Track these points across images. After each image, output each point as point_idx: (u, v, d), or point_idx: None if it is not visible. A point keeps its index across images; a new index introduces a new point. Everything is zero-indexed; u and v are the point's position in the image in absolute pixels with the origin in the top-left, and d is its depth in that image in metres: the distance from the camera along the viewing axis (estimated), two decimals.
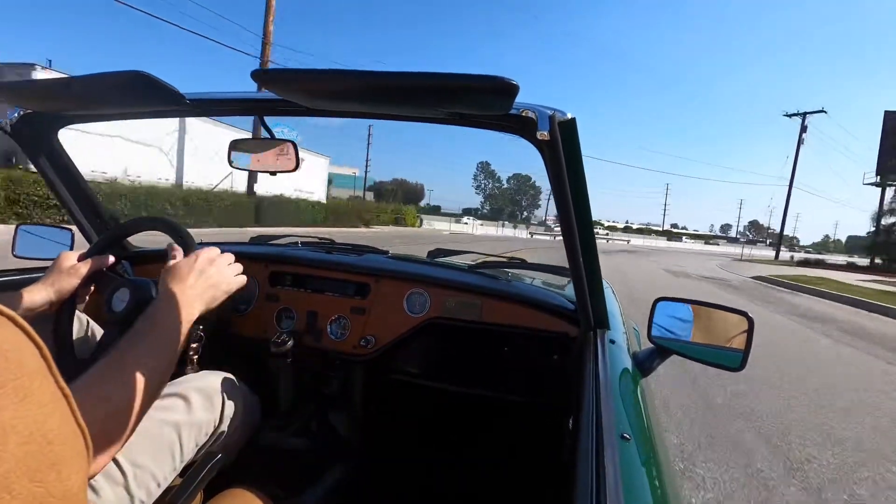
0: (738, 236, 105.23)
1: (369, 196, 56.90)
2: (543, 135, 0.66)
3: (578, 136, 0.69)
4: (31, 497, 0.26)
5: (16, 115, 1.00)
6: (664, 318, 1.07)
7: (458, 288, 1.29)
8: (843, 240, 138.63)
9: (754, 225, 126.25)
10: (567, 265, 0.94)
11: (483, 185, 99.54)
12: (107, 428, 0.56)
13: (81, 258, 0.96)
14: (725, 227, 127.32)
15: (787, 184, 34.35)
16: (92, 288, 0.99)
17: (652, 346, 1.06)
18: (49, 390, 0.28)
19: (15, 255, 1.27)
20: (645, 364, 1.03)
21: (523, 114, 0.68)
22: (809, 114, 35.33)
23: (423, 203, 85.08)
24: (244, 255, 1.43)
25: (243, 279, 0.88)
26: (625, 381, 0.86)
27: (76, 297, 0.95)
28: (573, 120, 0.67)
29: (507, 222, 62.76)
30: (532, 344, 1.25)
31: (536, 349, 1.26)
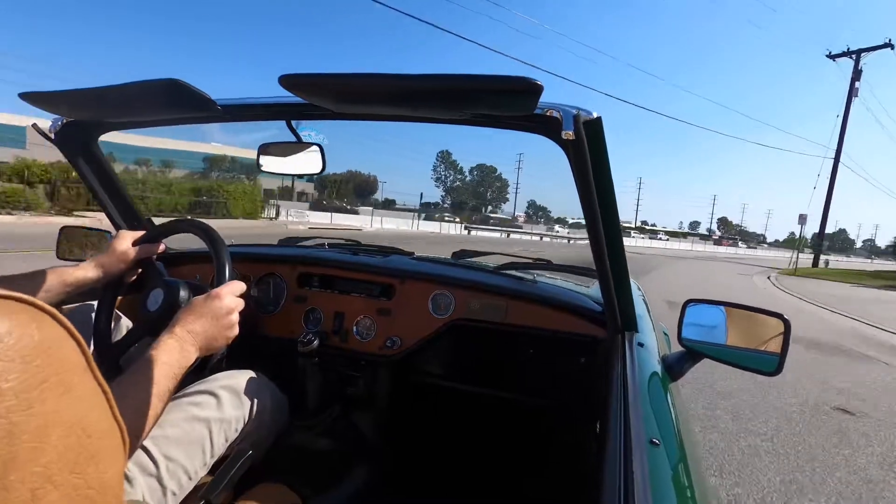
0: (710, 233, 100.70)
1: (310, 188, 48.37)
2: (568, 134, 0.66)
3: (604, 136, 0.68)
4: (71, 488, 0.27)
5: (59, 123, 1.05)
6: (695, 321, 1.05)
7: (483, 289, 1.28)
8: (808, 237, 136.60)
9: (723, 222, 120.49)
10: (594, 266, 0.93)
11: (443, 177, 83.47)
12: None
13: (136, 242, 1.06)
14: (694, 224, 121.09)
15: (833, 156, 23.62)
16: (139, 271, 1.08)
17: (682, 349, 1.04)
18: (89, 385, 0.29)
19: (58, 257, 1.33)
20: (675, 368, 1.01)
21: (548, 113, 0.67)
22: (866, 51, 22.58)
23: (376, 197, 73.75)
24: (274, 257, 1.47)
25: (237, 331, 0.89)
26: (654, 384, 0.84)
27: (122, 279, 1.04)
28: (599, 119, 0.67)
29: (446, 216, 52.62)
30: (558, 346, 1.24)
31: (562, 352, 1.24)
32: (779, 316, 0.95)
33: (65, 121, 1.05)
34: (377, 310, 1.32)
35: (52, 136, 1.07)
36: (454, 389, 1.38)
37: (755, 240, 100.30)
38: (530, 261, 1.53)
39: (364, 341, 1.30)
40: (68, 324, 0.28)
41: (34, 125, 1.06)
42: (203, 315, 0.82)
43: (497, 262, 1.57)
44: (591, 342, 1.16)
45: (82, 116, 1.03)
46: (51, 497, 0.26)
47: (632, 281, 1.04)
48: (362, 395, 1.36)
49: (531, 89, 0.58)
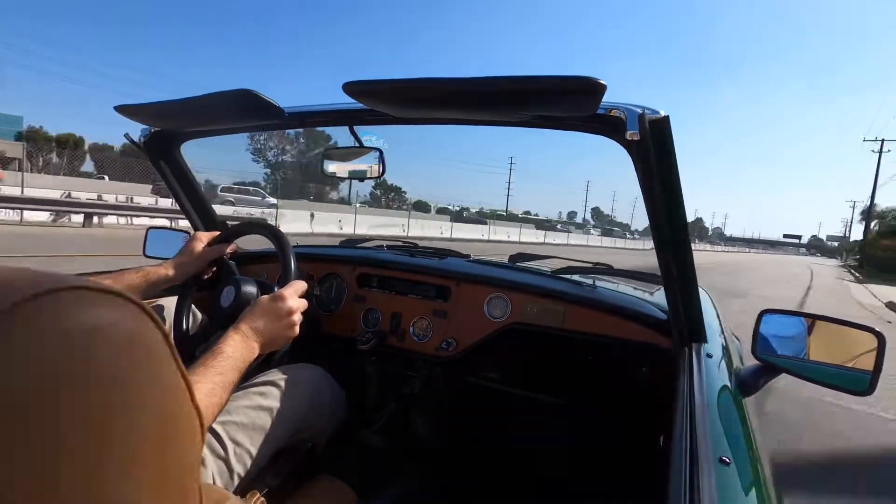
0: (585, 223, 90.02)
1: None
2: (633, 135, 0.63)
3: (672, 136, 0.65)
4: (155, 467, 0.29)
5: (148, 132, 1.16)
6: (772, 332, 0.97)
7: (541, 293, 1.26)
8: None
9: (597, 212, 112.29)
10: (658, 272, 0.89)
11: (262, 149, 52.69)
12: None
13: (210, 243, 1.15)
14: (572, 214, 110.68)
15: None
16: (213, 269, 1.17)
17: (757, 362, 0.97)
18: (172, 373, 0.31)
19: (145, 255, 1.46)
20: (748, 382, 0.94)
21: (611, 114, 0.65)
22: None
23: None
24: (335, 257, 1.52)
25: (297, 331, 0.93)
26: (724, 399, 0.79)
27: (198, 277, 1.14)
28: (666, 118, 0.64)
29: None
30: (619, 355, 1.19)
31: (624, 360, 1.20)
32: (871, 330, 0.86)
33: (152, 130, 1.15)
34: (433, 311, 1.33)
35: (142, 143, 1.17)
36: (510, 393, 1.36)
37: (624, 230, 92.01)
38: (590, 265, 1.49)
39: (420, 342, 1.32)
40: (156, 316, 0.31)
41: (126, 134, 1.17)
42: (267, 314, 0.87)
43: (555, 265, 1.54)
44: (654, 351, 1.11)
45: (166, 126, 1.12)
46: (139, 473, 0.28)
47: (700, 288, 0.99)
48: (418, 395, 1.37)
49: (594, 89, 0.57)
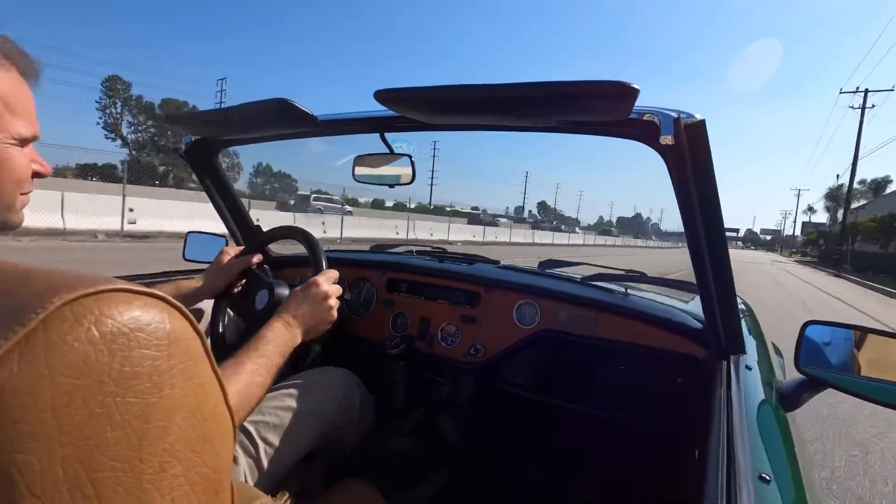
0: (532, 218, 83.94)
1: None
2: (667, 140, 0.62)
3: (708, 141, 0.63)
4: (191, 465, 0.30)
5: (189, 140, 1.21)
6: (816, 345, 0.92)
7: (571, 300, 1.24)
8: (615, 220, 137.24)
9: (543, 206, 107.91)
10: (694, 279, 0.86)
11: (117, 122, 42.96)
12: None
13: (237, 256, 1.17)
14: (519, 210, 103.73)
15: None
16: (243, 281, 1.18)
17: (800, 376, 0.92)
18: (207, 374, 0.32)
19: (185, 259, 1.51)
20: (790, 396, 0.90)
21: (645, 118, 0.64)
22: None
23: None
24: (365, 262, 1.54)
25: (335, 315, 0.96)
26: (764, 413, 0.76)
27: (232, 287, 1.15)
28: (702, 122, 0.62)
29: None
30: (652, 364, 1.16)
31: (657, 370, 1.16)
32: None
33: (194, 139, 1.20)
34: (462, 317, 1.33)
35: (183, 152, 1.22)
36: (539, 401, 1.35)
37: (572, 224, 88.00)
38: (622, 272, 1.46)
39: (449, 347, 1.32)
40: (192, 318, 0.32)
41: (177, 148, 1.23)
42: (304, 301, 0.91)
43: (586, 272, 1.51)
44: (690, 362, 1.07)
45: (207, 134, 1.17)
46: (175, 471, 0.29)
47: (738, 297, 0.95)
48: (446, 401, 1.37)
49: (626, 93, 0.56)
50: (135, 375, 0.27)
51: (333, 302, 0.95)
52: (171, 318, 0.30)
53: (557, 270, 1.56)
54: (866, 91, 28.25)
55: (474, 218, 43.74)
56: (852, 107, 29.16)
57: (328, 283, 0.96)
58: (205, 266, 1.52)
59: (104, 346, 0.26)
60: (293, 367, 1.10)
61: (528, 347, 1.26)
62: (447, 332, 1.33)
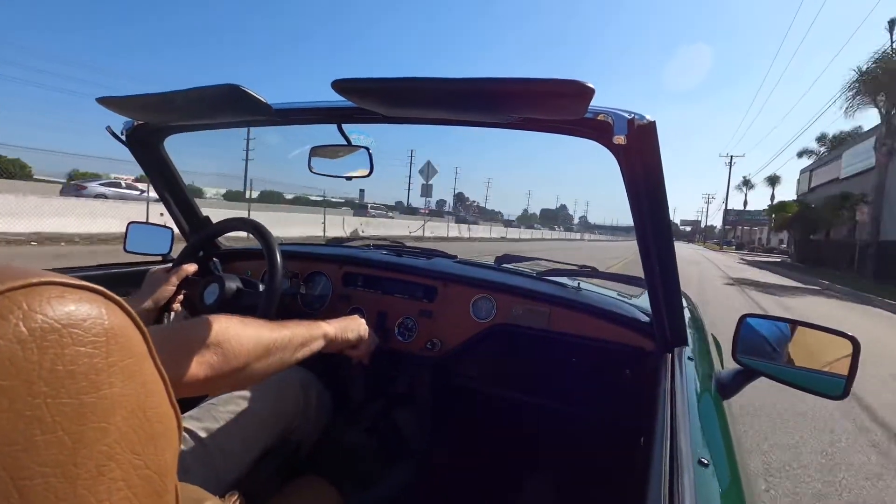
0: (451, 212, 71.29)
1: None
2: (620, 139, 0.64)
3: (658, 141, 0.66)
4: (131, 467, 0.28)
5: (130, 126, 1.13)
6: (752, 337, 0.99)
7: (526, 295, 1.27)
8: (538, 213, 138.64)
9: (460, 199, 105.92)
10: (642, 275, 0.90)
11: None
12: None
13: (170, 271, 1.11)
14: (441, 203, 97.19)
15: None
16: (182, 293, 1.12)
17: (737, 366, 0.98)
18: (150, 372, 0.31)
19: (126, 251, 1.43)
20: (728, 385, 0.96)
21: (599, 118, 0.65)
22: None
23: None
24: (321, 256, 1.51)
25: (365, 334, 1.04)
26: (704, 402, 0.80)
27: (171, 302, 1.09)
28: (653, 124, 0.64)
29: None
30: (603, 356, 1.20)
31: (607, 362, 1.21)
32: (847, 336, 0.88)
33: (135, 124, 1.13)
34: (419, 311, 1.33)
35: (124, 137, 1.15)
36: (495, 394, 1.37)
37: (495, 217, 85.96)
38: (575, 268, 1.50)
39: (405, 342, 1.31)
40: (134, 314, 0.30)
41: (108, 128, 1.14)
42: (337, 319, 0.99)
43: (541, 268, 1.55)
44: (638, 354, 1.12)
45: (151, 120, 1.10)
46: (114, 474, 0.27)
47: (682, 291, 1.00)
48: (403, 395, 1.37)
49: (582, 92, 0.57)
50: (68, 375, 0.25)
51: (364, 330, 1.02)
52: (109, 312, 0.28)
53: (513, 266, 1.59)
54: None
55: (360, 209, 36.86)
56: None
57: (368, 333, 1.05)
58: (148, 258, 1.44)
59: (33, 343, 0.24)
60: None
61: (485, 341, 1.27)
62: (404, 326, 1.33)
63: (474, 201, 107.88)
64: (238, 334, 0.67)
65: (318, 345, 0.85)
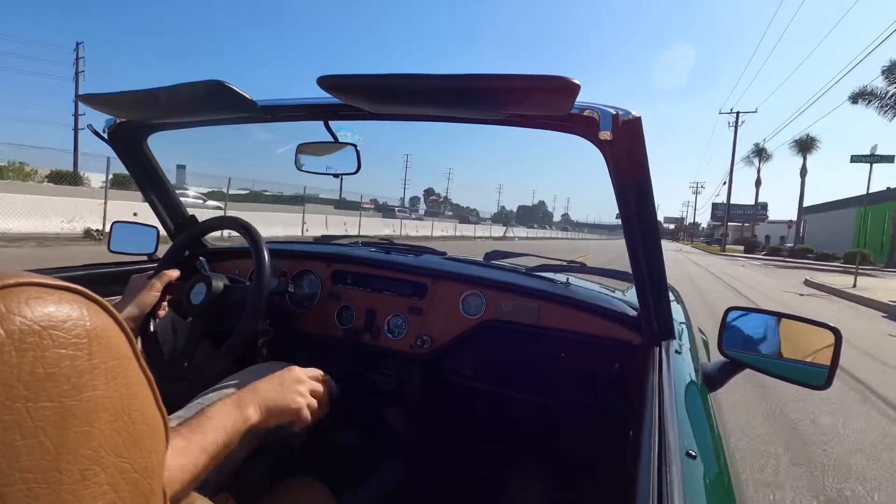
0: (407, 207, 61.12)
1: None
2: (606, 135, 0.64)
3: (644, 136, 0.66)
4: (117, 471, 0.28)
5: (113, 123, 1.11)
6: (736, 330, 1.00)
7: (515, 291, 1.27)
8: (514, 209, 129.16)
9: (430, 193, 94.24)
10: (630, 270, 0.91)
11: None
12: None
13: (153, 276, 1.08)
14: (415, 200, 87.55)
15: None
16: (168, 297, 1.10)
17: (723, 358, 1.00)
18: (135, 373, 0.30)
19: (110, 250, 1.40)
20: (714, 378, 0.97)
21: (585, 113, 0.66)
22: None
23: None
24: (310, 254, 1.50)
25: (303, 404, 0.79)
26: (691, 394, 0.82)
27: (156, 308, 1.07)
28: (638, 119, 0.65)
29: None
30: (592, 351, 1.21)
31: (596, 357, 1.22)
32: (829, 327, 0.90)
33: (118, 121, 1.11)
34: (409, 308, 1.33)
35: (106, 135, 1.13)
36: (486, 391, 1.37)
37: (470, 215, 73.72)
38: (564, 263, 1.51)
39: (395, 339, 1.31)
40: (117, 314, 0.30)
41: (90, 125, 1.12)
42: (270, 380, 0.79)
43: (530, 263, 1.56)
44: (626, 348, 1.13)
45: (133, 117, 1.08)
46: (98, 479, 0.27)
47: (669, 285, 1.01)
48: (394, 393, 1.37)
49: (568, 88, 0.57)
50: (50, 377, 0.25)
51: (305, 389, 0.80)
52: (91, 313, 0.28)
53: (502, 262, 1.59)
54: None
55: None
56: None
57: (308, 373, 0.84)
58: (133, 258, 1.42)
59: (12, 346, 0.24)
60: (238, 363, 1.05)
61: (475, 337, 1.28)
62: (394, 323, 1.33)
63: (444, 197, 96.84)
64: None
65: (238, 437, 0.69)
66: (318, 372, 0.88)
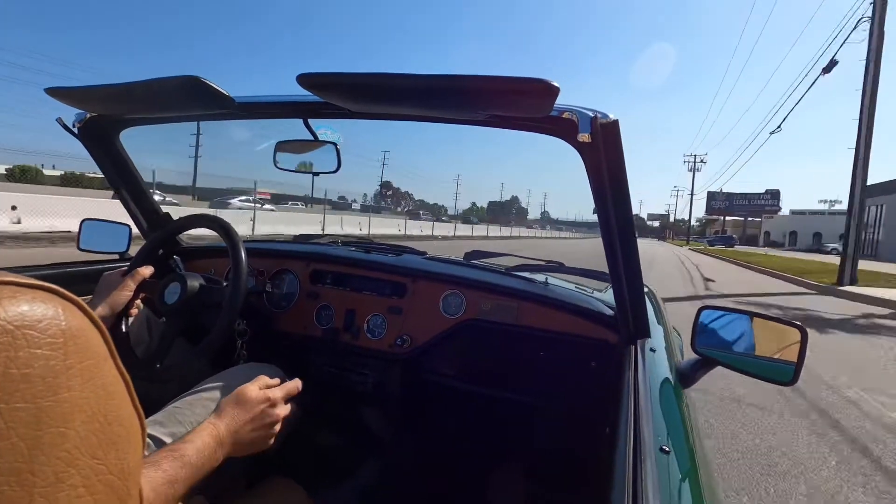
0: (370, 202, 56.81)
1: None
2: (584, 137, 0.65)
3: (621, 139, 0.68)
4: (92, 472, 0.27)
5: (83, 118, 1.08)
6: (708, 328, 1.03)
7: (495, 290, 1.28)
8: (485, 206, 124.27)
9: (387, 187, 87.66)
10: (607, 270, 0.93)
11: None
12: None
13: (125, 274, 1.05)
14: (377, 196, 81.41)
15: None
16: (141, 295, 1.07)
17: (695, 356, 1.03)
18: (111, 374, 0.30)
19: (80, 249, 1.36)
20: (687, 375, 1.00)
21: (564, 116, 0.67)
22: None
23: None
24: (288, 253, 1.48)
25: (276, 429, 0.83)
26: (665, 392, 0.84)
27: (128, 307, 1.04)
28: (616, 122, 0.66)
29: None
30: (569, 349, 1.23)
31: (574, 355, 1.24)
32: (796, 325, 0.93)
33: (88, 116, 1.07)
34: (388, 308, 1.32)
35: (76, 130, 1.09)
36: (465, 389, 1.38)
37: (439, 212, 73.76)
38: (542, 263, 1.53)
39: (375, 339, 1.31)
40: (93, 314, 0.29)
41: (58, 119, 1.08)
42: (246, 411, 0.79)
43: (509, 263, 1.57)
44: (603, 346, 1.15)
45: (105, 112, 1.05)
46: (73, 481, 0.26)
47: (644, 285, 1.04)
48: (373, 393, 1.36)
49: (547, 91, 0.58)
50: (23, 378, 0.24)
51: (279, 414, 0.82)
52: (66, 313, 0.27)
53: (482, 261, 1.60)
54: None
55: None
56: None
57: (285, 389, 0.85)
58: (104, 257, 1.38)
59: None
60: (215, 364, 1.03)
61: (454, 337, 1.28)
62: (373, 323, 1.32)
63: (406, 191, 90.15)
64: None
65: (214, 460, 0.71)
66: (294, 385, 0.88)
